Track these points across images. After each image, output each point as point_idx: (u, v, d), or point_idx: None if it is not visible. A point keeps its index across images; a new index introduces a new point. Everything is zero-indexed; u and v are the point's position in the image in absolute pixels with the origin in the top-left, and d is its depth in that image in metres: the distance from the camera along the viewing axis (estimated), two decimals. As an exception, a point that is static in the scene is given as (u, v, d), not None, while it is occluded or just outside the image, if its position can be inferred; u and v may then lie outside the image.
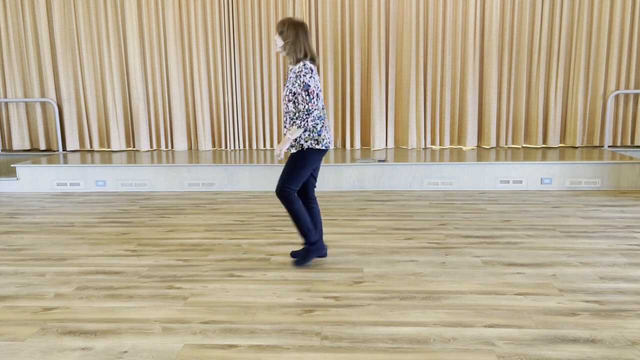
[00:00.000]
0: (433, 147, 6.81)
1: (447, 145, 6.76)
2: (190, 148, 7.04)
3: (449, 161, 5.59)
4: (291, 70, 3.15)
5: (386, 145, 6.84)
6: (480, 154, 6.12)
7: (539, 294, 2.86)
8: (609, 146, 6.61)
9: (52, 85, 6.90)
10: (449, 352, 2.29)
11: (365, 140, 6.92)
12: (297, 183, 3.19)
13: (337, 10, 6.58)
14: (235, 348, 2.36)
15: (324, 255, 3.41)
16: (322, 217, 4.54)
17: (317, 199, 5.24)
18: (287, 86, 3.14)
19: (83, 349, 2.37)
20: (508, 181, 5.51)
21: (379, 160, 5.65)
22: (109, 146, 7.07)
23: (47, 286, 3.11)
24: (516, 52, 6.54)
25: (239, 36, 6.69)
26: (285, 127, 3.20)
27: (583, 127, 6.60)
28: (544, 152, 6.13)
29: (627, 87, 6.52)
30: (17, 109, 7.00)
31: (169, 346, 2.38)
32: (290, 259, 3.50)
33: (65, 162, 6.02)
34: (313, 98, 3.03)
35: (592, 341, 2.35)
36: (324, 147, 3.18)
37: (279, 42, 3.13)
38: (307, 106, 3.04)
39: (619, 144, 6.64)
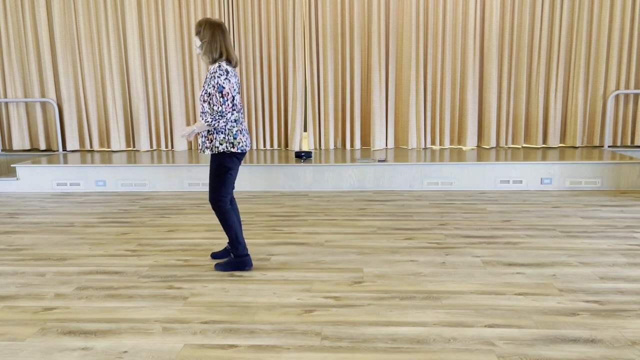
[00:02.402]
0: (433, 147, 6.81)
1: (447, 145, 6.76)
2: (190, 148, 7.04)
3: (449, 161, 5.59)
4: (208, 70, 3.14)
5: (386, 145, 6.84)
6: (480, 154, 6.12)
7: (539, 294, 2.86)
8: (609, 146, 6.61)
9: (52, 85, 6.90)
10: (449, 352, 2.29)
11: (365, 140, 6.92)
12: (226, 189, 3.19)
13: (337, 10, 6.58)
14: (235, 348, 2.36)
15: (249, 268, 3.34)
16: (323, 217, 4.54)
17: (318, 199, 5.24)
18: (204, 86, 3.13)
19: (83, 349, 2.37)
20: (508, 181, 5.51)
21: (379, 160, 5.65)
22: (109, 146, 7.07)
23: (47, 286, 3.11)
24: (516, 52, 6.54)
25: (239, 36, 6.69)
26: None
27: (583, 127, 6.60)
28: (544, 152, 6.13)
29: (627, 87, 6.52)
30: (17, 109, 7.00)
31: (169, 346, 2.38)
32: (290, 259, 3.50)
33: (65, 162, 6.02)
34: (227, 100, 3.03)
35: (592, 341, 2.35)
36: (239, 151, 3.16)
37: (197, 43, 3.15)
38: (220, 108, 3.04)
39: (619, 144, 6.64)
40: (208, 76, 3.11)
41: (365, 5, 6.57)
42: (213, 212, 4.79)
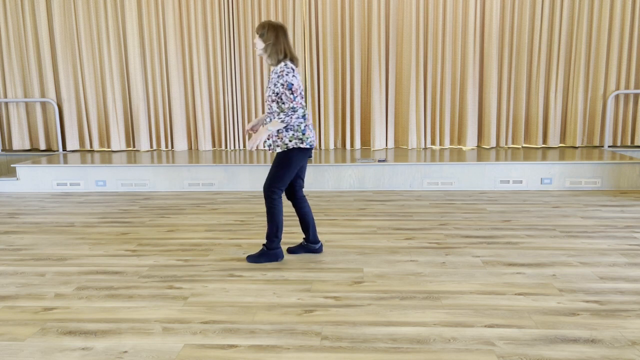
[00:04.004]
0: (433, 147, 6.81)
1: (447, 145, 6.76)
2: (190, 148, 7.04)
3: (449, 161, 5.59)
4: (273, 71, 3.21)
5: (386, 145, 6.84)
6: (480, 154, 6.12)
7: (539, 294, 2.86)
8: (609, 146, 6.61)
9: (52, 85, 6.90)
10: (449, 352, 2.29)
11: (365, 140, 6.92)
12: (284, 183, 3.27)
13: (337, 10, 6.58)
14: (235, 348, 2.36)
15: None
16: (323, 217, 4.54)
17: (318, 199, 5.24)
18: (269, 87, 3.20)
19: (83, 349, 2.37)
20: (508, 181, 5.51)
21: (379, 160, 5.65)
22: (109, 146, 7.07)
23: (47, 286, 3.11)
24: (516, 52, 6.54)
25: (239, 36, 6.70)
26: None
27: (583, 127, 6.60)
28: (544, 152, 6.13)
29: (627, 87, 6.52)
30: (17, 109, 7.00)
31: (169, 346, 2.38)
32: (290, 259, 3.50)
33: (65, 162, 6.02)
34: (297, 96, 3.10)
35: (592, 341, 2.35)
36: (308, 146, 3.25)
37: (260, 45, 3.20)
38: (291, 104, 3.11)
39: (619, 144, 6.64)
40: (274, 76, 3.16)
41: (365, 5, 6.57)
42: (213, 212, 4.79)
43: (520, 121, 6.64)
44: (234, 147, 6.96)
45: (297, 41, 6.54)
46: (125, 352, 2.34)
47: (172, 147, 7.01)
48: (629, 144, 6.64)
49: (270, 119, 3.26)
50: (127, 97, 6.94)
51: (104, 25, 6.73)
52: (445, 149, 6.69)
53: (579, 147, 6.61)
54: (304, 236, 3.64)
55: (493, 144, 6.67)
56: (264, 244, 3.44)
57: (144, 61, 6.82)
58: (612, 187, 5.45)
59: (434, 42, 6.59)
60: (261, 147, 3.25)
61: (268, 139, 3.28)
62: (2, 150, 7.12)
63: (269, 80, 3.23)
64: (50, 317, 2.70)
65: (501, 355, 2.25)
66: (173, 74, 6.75)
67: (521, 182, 5.50)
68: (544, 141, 6.72)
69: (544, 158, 5.67)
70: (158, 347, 2.38)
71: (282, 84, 3.11)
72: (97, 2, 6.69)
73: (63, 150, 7.01)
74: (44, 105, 7.01)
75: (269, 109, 3.25)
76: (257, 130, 3.43)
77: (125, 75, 6.89)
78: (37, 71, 6.91)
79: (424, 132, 6.75)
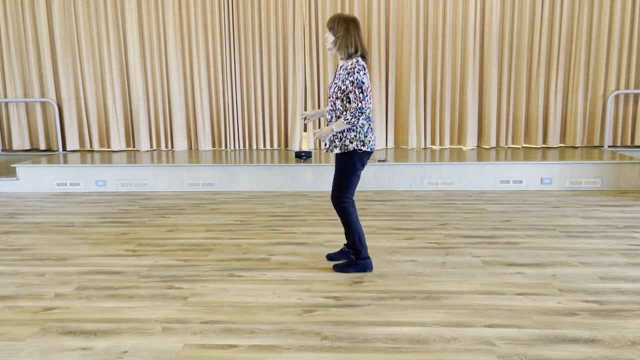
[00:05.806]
0: (433, 147, 6.81)
1: (447, 145, 6.76)
2: (190, 148, 7.04)
3: (449, 161, 5.59)
4: (341, 66, 3.04)
5: (386, 145, 6.84)
6: (480, 154, 6.12)
7: (539, 294, 2.86)
8: (609, 146, 6.61)
9: (52, 85, 6.90)
10: (449, 352, 2.29)
11: (365, 140, 6.91)
12: (352, 190, 3.10)
13: (337, 10, 6.58)
14: (235, 348, 2.36)
15: (370, 271, 3.26)
16: (323, 217, 4.54)
17: (318, 199, 5.24)
18: (336, 83, 3.02)
19: (83, 349, 2.37)
20: (508, 181, 5.51)
21: (379, 160, 5.65)
22: (109, 146, 7.07)
23: (47, 286, 3.11)
24: (516, 52, 6.54)
25: (239, 36, 6.69)
26: (328, 124, 3.08)
27: (583, 127, 6.60)
28: (544, 152, 6.13)
29: (627, 87, 6.52)
30: (17, 109, 7.00)
31: (169, 346, 2.38)
32: (290, 259, 3.50)
33: (65, 162, 6.02)
34: (367, 96, 2.92)
35: (592, 341, 2.35)
36: (369, 149, 3.06)
37: (330, 39, 3.02)
38: (360, 104, 2.92)
39: (619, 144, 6.64)
40: (342, 72, 2.99)
41: (365, 5, 6.57)
42: (213, 212, 4.79)
43: (520, 121, 6.64)
44: (234, 147, 6.96)
45: (297, 41, 6.54)
46: (125, 352, 2.34)
47: (172, 147, 7.01)
48: (629, 144, 6.64)
49: (332, 116, 3.07)
50: (127, 97, 6.94)
51: (104, 25, 6.73)
52: (445, 149, 6.69)
53: (579, 147, 6.61)
54: (345, 242, 3.51)
55: (493, 144, 6.67)
56: (352, 254, 3.26)
57: (144, 61, 6.82)
58: (612, 187, 5.45)
59: (434, 42, 6.59)
60: (324, 140, 3.04)
61: (329, 136, 3.08)
62: (2, 150, 7.12)
63: (334, 76, 3.06)
64: (50, 317, 2.70)
65: (501, 355, 2.25)
66: (173, 74, 6.75)
67: (521, 182, 5.50)
68: (544, 141, 6.72)
69: (544, 158, 5.67)
70: (158, 347, 2.38)
71: (352, 82, 2.91)
72: (97, 2, 6.69)
73: (63, 150, 7.01)
74: (44, 105, 7.01)
75: (331, 106, 3.06)
76: (308, 118, 3.24)
77: (125, 75, 6.89)
78: (37, 71, 6.91)
79: (424, 132, 6.75)
